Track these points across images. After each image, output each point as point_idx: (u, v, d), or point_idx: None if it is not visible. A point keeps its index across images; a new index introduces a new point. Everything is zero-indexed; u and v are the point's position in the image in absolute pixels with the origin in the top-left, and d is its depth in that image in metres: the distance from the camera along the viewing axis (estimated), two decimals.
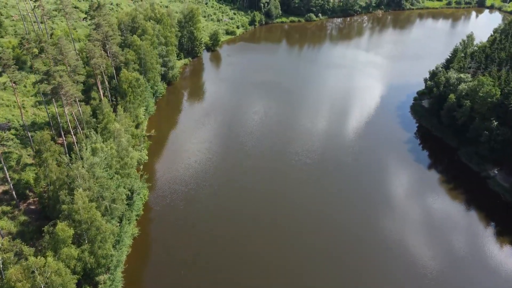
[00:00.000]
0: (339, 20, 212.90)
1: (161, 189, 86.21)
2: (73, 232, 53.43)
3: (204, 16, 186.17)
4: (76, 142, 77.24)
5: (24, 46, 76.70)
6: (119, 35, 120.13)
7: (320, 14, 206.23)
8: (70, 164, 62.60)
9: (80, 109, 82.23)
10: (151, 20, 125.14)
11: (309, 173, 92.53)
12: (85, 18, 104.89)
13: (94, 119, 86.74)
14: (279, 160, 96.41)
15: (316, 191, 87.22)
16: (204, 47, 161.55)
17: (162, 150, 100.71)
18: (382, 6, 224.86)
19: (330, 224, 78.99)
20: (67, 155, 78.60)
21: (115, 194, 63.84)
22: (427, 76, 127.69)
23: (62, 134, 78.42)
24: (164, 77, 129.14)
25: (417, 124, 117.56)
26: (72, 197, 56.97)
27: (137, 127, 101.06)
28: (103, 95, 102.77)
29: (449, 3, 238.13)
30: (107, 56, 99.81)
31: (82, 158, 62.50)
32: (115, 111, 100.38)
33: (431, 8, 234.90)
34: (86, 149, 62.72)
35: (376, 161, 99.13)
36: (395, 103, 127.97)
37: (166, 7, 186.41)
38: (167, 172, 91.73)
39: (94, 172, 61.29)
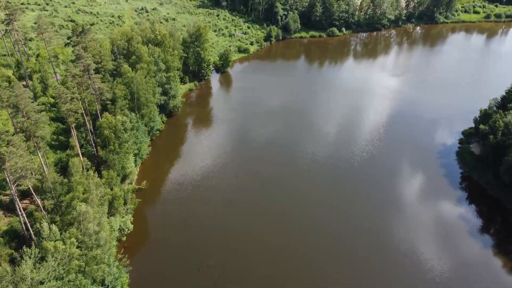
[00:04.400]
0: (364, 35, 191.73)
1: (146, 269, 67.71)
2: None
3: (215, 30, 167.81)
4: (34, 219, 59.27)
5: None
6: (112, 60, 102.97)
7: (343, 29, 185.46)
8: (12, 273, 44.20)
9: (46, 171, 64.21)
10: (149, 44, 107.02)
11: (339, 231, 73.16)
12: (67, 44, 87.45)
13: (66, 180, 68.62)
14: (302, 230, 76.84)
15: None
16: (213, 68, 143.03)
17: (155, 206, 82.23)
18: (413, 20, 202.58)
19: None
20: (25, 231, 60.89)
21: None
22: (476, 114, 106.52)
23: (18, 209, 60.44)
24: (164, 108, 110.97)
25: (461, 171, 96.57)
26: None
27: (123, 180, 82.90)
28: (85, 140, 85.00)
29: (487, 16, 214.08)
30: (93, 90, 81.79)
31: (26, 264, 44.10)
32: (97, 162, 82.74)
33: (467, 22, 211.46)
34: (29, 258, 44.32)
35: (415, 218, 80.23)
36: (436, 145, 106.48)
37: (174, 19, 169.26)
38: (157, 241, 73.14)
39: None
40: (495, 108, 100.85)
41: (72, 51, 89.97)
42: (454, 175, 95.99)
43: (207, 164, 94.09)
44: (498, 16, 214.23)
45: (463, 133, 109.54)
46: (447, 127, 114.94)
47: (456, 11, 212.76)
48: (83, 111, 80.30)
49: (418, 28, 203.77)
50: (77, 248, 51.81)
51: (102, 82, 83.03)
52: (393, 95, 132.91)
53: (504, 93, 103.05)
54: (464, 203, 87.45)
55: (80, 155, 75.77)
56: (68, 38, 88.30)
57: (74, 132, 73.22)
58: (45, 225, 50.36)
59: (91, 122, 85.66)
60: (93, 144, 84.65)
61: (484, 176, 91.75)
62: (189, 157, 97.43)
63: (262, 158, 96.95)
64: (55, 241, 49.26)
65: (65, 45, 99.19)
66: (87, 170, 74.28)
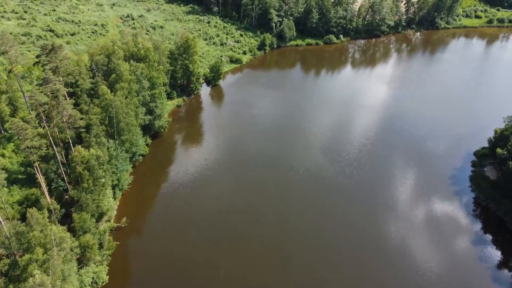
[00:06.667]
0: (362, 42, 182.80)
1: None
2: None
3: (205, 39, 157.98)
4: None
5: None
6: (90, 77, 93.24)
7: (341, 36, 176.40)
8: None
9: (3, 222, 54.25)
10: (131, 59, 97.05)
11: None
12: (36, 63, 77.44)
13: (27, 228, 58.62)
14: (302, 271, 67.49)
15: None
16: (204, 81, 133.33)
17: (135, 249, 72.26)
18: (413, 26, 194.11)
19: None
20: None
21: None
22: (487, 130, 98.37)
23: None
24: (148, 128, 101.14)
25: (474, 196, 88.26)
26: None
27: (99, 218, 72.97)
28: (56, 173, 74.81)
29: (490, 21, 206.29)
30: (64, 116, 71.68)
31: None
32: (68, 200, 72.74)
33: (469, 27, 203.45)
34: None
35: (430, 254, 70.37)
36: (446, 167, 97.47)
37: (161, 27, 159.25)
38: None
39: None
40: (510, 128, 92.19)
41: (43, 70, 79.93)
42: (468, 203, 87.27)
43: (196, 195, 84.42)
44: (500, 21, 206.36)
45: (475, 154, 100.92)
46: (456, 146, 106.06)
47: (458, 16, 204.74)
48: (53, 142, 70.33)
49: (419, 34, 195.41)
50: None
51: (74, 107, 73.05)
52: (395, 110, 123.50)
53: None
54: (479, 233, 79.25)
55: (47, 196, 65.74)
56: (37, 56, 78.09)
57: (38, 172, 63.24)
58: None
59: (62, 153, 75.60)
60: (66, 177, 74.63)
61: (501, 205, 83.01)
62: (175, 185, 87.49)
63: (257, 185, 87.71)
64: None
65: (33, 64, 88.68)
66: (54, 212, 64.54)
